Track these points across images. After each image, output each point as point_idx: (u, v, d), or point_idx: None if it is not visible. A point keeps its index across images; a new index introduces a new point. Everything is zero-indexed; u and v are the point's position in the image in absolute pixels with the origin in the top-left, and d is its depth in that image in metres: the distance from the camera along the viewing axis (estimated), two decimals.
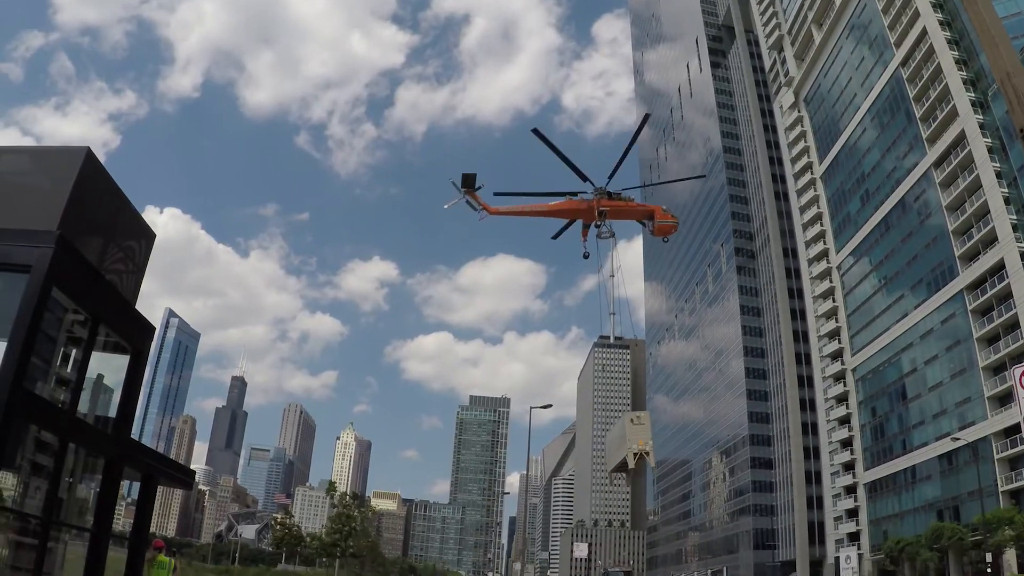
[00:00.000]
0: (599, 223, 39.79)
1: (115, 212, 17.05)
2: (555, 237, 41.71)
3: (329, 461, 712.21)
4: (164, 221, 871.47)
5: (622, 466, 44.63)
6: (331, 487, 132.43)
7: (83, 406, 15.54)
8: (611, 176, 39.88)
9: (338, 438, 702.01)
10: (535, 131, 36.60)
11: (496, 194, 40.41)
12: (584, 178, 39.36)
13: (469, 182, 38.08)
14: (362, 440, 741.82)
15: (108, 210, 16.78)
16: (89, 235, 16.02)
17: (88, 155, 15.43)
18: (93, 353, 15.30)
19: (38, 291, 13.26)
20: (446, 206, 38.31)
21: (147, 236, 18.11)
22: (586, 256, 41.00)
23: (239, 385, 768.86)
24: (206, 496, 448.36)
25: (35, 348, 13.18)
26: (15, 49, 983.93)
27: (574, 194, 39.99)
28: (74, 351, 15.57)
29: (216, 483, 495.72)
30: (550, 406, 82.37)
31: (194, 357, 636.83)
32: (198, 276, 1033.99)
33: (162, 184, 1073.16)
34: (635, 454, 41.02)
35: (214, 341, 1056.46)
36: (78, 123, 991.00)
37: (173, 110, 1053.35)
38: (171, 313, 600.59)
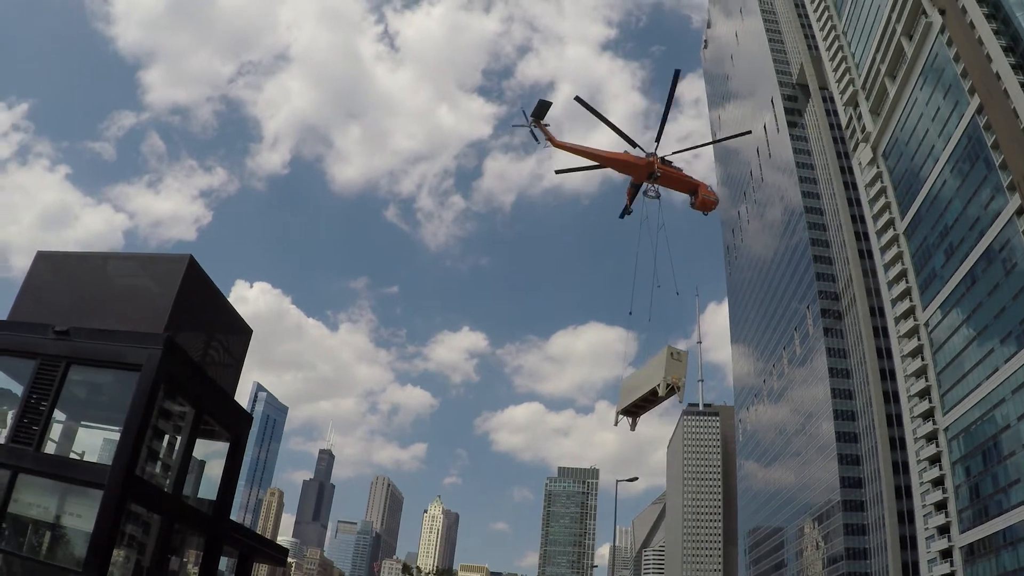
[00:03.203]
0: (655, 176, 41.87)
1: (215, 312, 18.35)
2: (623, 216, 44.34)
3: (417, 534, 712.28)
4: (254, 295, 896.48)
5: (644, 401, 42.57)
6: (406, 570, 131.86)
7: (186, 488, 16.96)
8: (657, 140, 41.93)
9: (425, 511, 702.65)
10: (577, 98, 38.69)
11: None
12: (633, 143, 41.42)
13: (541, 111, 39.52)
14: (450, 513, 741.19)
15: (209, 310, 18.21)
16: (193, 334, 17.48)
17: (191, 262, 16.81)
18: (196, 440, 16.90)
19: (148, 389, 14.68)
20: (513, 125, 40.23)
21: (245, 332, 19.44)
22: (628, 213, 43.03)
23: (327, 458, 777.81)
24: (292, 568, 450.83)
25: (145, 438, 14.77)
26: (107, 128, 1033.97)
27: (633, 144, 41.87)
28: (179, 439, 17.05)
29: (303, 555, 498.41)
30: (636, 479, 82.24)
31: (282, 430, 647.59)
32: (288, 350, 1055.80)
33: (252, 259, 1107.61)
34: (668, 385, 39.50)
35: (304, 414, 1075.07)
36: (170, 200, 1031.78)
37: (263, 187, 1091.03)
38: (259, 387, 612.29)
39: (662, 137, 42.13)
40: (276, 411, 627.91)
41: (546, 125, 40.28)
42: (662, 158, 42.24)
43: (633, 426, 44.30)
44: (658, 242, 46.09)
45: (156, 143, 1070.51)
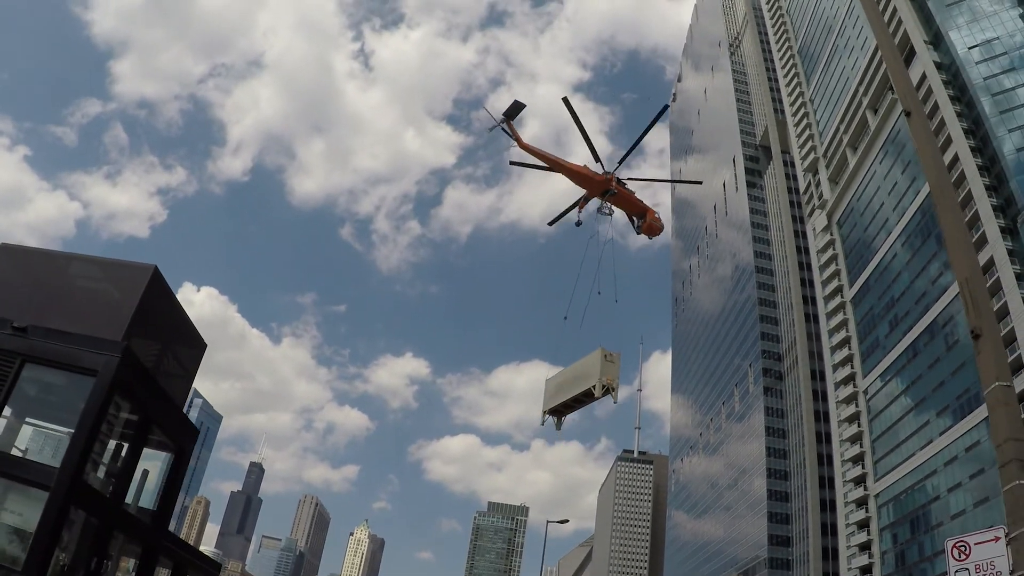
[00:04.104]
0: (606, 197, 43.28)
1: (174, 324, 18.34)
2: (551, 223, 46.26)
3: (341, 556, 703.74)
4: (200, 299, 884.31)
5: (575, 400, 42.52)
6: None
7: (128, 497, 16.73)
8: (620, 163, 43.38)
9: (352, 534, 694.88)
10: (564, 99, 39.74)
11: (512, 162, 43.69)
12: (598, 159, 42.63)
13: (514, 112, 40.54)
14: (376, 538, 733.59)
15: (168, 322, 18.11)
16: (149, 344, 17.38)
17: (155, 272, 16.72)
18: (142, 449, 16.77)
19: (103, 395, 14.49)
20: (490, 130, 41.11)
21: (199, 346, 19.35)
22: (579, 224, 43.81)
23: (257, 471, 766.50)
24: None
25: (94, 443, 14.61)
26: (72, 114, 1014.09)
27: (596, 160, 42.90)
28: (126, 446, 16.76)
29: (224, 568, 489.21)
30: (566, 521, 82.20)
31: (214, 439, 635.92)
32: (228, 358, 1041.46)
33: (203, 262, 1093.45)
34: (604, 386, 39.63)
35: (238, 424, 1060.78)
36: (127, 194, 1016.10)
37: (221, 191, 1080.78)
38: (195, 393, 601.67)
39: (625, 161, 43.21)
40: (210, 419, 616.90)
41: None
42: (618, 179, 43.13)
43: (559, 425, 44.33)
44: (603, 254, 46.99)
45: (119, 135, 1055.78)
